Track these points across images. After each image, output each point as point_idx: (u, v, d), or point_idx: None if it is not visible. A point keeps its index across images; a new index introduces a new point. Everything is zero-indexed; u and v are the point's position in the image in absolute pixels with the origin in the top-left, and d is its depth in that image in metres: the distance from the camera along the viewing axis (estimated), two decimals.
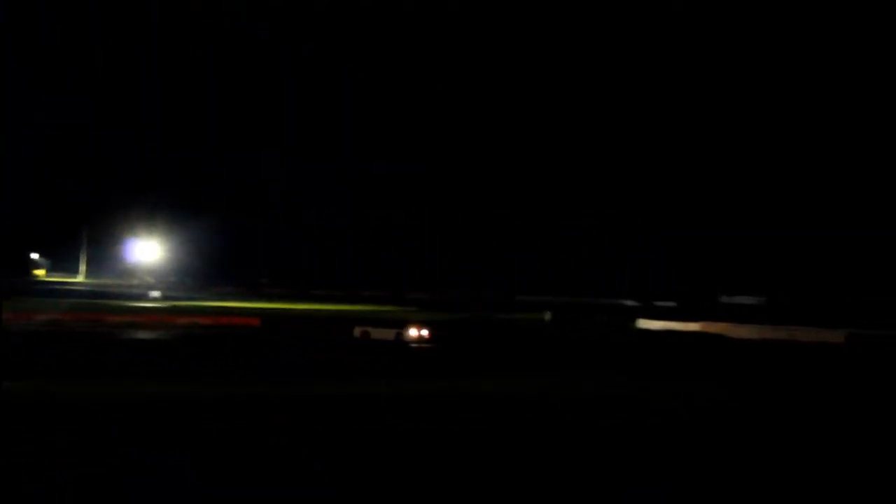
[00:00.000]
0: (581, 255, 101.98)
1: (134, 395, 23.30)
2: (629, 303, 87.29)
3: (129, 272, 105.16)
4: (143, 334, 49.07)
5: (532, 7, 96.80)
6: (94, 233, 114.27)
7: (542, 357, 42.35)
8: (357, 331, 50.60)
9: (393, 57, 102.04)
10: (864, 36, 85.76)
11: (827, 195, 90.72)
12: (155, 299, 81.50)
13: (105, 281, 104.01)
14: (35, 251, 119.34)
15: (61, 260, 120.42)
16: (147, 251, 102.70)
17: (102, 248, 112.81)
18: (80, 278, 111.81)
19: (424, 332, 49.56)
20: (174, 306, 71.18)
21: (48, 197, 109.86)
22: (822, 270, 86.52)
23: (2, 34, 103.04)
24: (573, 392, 26.72)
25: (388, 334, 49.41)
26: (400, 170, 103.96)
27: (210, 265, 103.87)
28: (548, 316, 76.32)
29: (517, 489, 13.16)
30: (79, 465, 13.68)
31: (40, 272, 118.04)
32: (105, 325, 52.43)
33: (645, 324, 69.66)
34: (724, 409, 23.41)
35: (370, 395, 24.16)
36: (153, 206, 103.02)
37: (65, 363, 32.34)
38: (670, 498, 13.05)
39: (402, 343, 48.02)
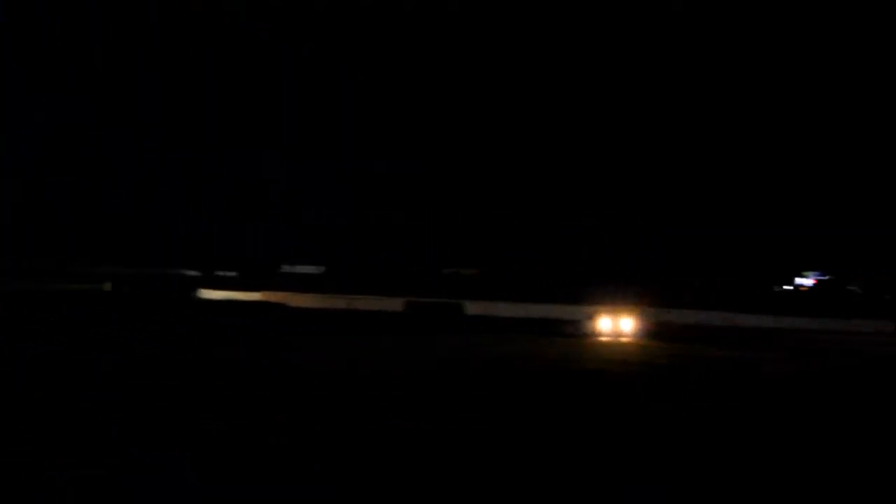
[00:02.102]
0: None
1: None
2: (190, 273, 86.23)
3: None
4: None
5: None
6: None
7: None
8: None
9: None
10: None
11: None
12: None
13: None
14: None
15: None
16: None
17: None
18: None
19: (626, 325, 45.52)
20: None
21: None
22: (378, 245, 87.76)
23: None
24: None
25: (587, 327, 46.74)
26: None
27: None
28: (108, 286, 75.46)
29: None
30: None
31: None
32: None
33: (207, 293, 69.53)
34: None
35: None
36: None
37: None
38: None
39: (585, 335, 45.10)
